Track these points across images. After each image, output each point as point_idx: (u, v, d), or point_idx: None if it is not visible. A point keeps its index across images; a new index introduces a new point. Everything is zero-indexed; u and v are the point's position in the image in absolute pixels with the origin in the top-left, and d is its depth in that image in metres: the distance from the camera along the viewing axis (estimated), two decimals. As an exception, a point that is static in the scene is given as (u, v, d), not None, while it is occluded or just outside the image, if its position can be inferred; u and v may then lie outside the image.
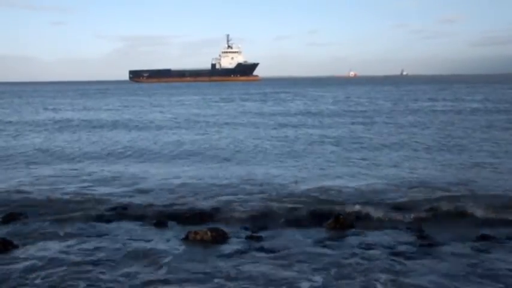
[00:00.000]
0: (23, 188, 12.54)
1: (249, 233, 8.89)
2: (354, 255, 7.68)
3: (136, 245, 8.25)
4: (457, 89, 77.82)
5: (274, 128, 26.32)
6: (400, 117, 30.62)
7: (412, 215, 9.76)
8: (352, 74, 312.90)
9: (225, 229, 8.90)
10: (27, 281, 6.81)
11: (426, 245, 8.09)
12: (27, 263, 7.44)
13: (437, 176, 13.34)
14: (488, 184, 12.24)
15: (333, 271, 7.06)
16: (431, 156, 16.46)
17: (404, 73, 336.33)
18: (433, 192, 11.36)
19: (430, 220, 9.62)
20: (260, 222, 9.61)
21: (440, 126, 25.34)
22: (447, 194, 11.25)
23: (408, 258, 7.54)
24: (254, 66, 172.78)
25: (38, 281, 6.82)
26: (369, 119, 30.06)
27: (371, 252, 7.82)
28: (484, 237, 8.40)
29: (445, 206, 10.17)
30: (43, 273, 7.08)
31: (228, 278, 6.85)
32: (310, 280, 6.78)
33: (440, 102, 45.48)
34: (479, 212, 9.84)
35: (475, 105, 40.35)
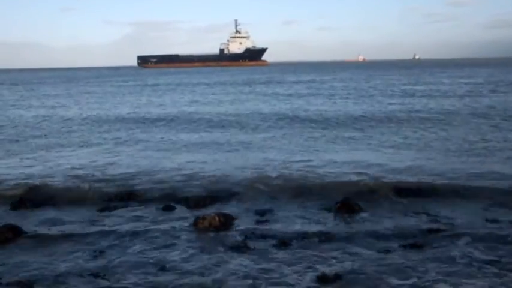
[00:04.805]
0: (33, 173, 12.61)
1: (257, 217, 8.89)
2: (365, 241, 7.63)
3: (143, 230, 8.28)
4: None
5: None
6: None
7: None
8: (360, 58, 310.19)
9: (233, 212, 8.95)
10: (37, 270, 6.81)
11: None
12: (37, 250, 7.49)
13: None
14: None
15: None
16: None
17: (417, 57, 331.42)
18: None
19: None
20: (267, 204, 9.64)
21: None
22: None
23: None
24: (263, 51, 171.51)
25: (46, 270, 6.83)
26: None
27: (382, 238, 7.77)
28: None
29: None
30: (52, 261, 7.14)
31: (232, 270, 6.66)
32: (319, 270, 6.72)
33: None
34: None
35: None
